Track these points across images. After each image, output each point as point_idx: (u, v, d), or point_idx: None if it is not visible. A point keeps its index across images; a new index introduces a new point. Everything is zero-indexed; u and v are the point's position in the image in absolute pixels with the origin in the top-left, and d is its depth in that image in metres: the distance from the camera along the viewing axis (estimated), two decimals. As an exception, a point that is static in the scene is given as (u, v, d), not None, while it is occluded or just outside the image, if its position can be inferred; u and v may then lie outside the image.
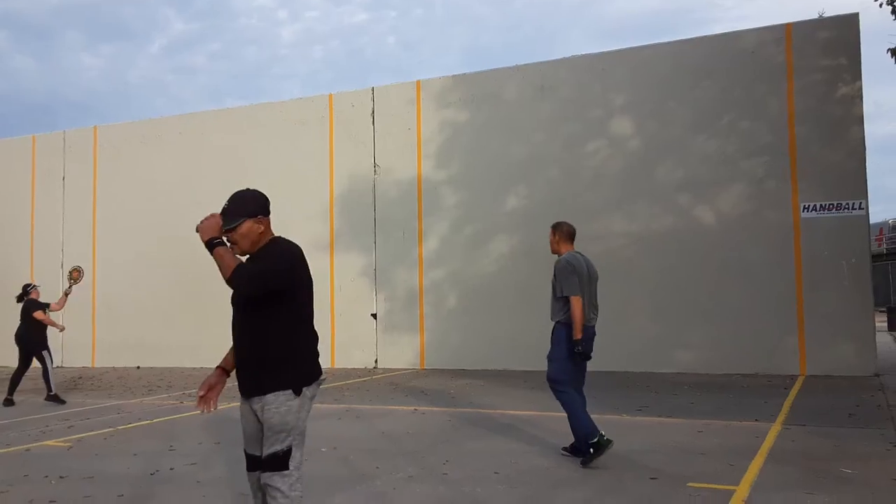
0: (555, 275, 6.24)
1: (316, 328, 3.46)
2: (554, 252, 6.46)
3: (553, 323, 6.26)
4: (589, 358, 6.24)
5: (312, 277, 3.42)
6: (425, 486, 5.31)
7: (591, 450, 5.81)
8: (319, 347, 3.46)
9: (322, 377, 3.41)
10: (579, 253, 6.41)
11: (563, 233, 6.44)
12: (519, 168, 13.92)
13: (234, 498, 5.09)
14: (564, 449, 6.24)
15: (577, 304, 6.01)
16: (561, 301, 6.16)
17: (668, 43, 13.29)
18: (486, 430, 7.49)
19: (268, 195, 3.46)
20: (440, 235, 14.54)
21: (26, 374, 10.86)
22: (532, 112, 13.92)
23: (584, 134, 13.55)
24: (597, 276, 6.47)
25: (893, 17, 11.52)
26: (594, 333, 6.33)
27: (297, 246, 3.40)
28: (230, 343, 3.46)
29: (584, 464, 5.85)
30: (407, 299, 14.71)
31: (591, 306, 6.30)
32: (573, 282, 6.09)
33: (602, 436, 5.82)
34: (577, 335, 6.00)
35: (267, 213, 3.41)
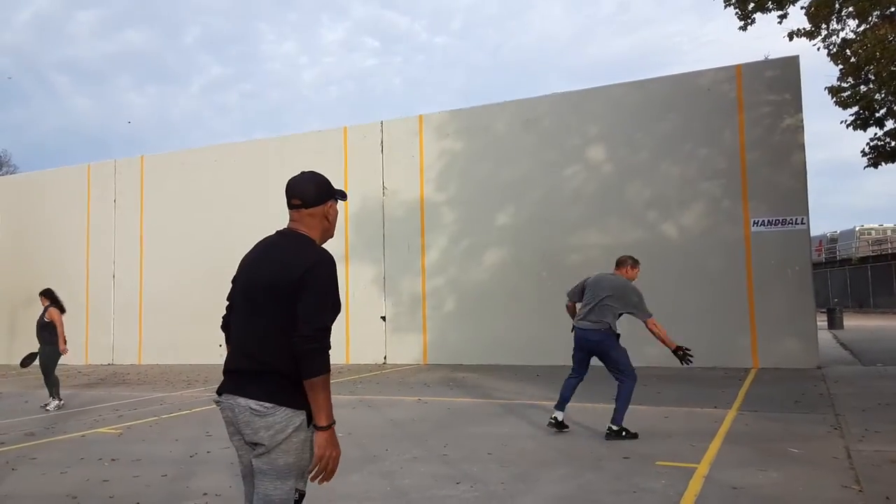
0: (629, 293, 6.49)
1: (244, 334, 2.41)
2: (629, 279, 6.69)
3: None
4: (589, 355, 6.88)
5: (247, 276, 2.47)
6: (428, 466, 5.30)
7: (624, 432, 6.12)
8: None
9: (216, 398, 2.43)
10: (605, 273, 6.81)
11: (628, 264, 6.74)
12: (507, 190, 13.94)
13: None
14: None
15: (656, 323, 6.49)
16: (596, 310, 6.56)
17: (636, 81, 13.33)
18: (481, 417, 7.48)
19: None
20: (440, 248, 14.54)
21: (79, 369, 10.81)
22: (518, 141, 13.95)
23: (564, 160, 13.58)
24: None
25: (829, 60, 11.62)
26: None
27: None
28: None
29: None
30: (411, 303, 14.68)
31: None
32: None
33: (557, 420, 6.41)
34: (672, 345, 6.30)
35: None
